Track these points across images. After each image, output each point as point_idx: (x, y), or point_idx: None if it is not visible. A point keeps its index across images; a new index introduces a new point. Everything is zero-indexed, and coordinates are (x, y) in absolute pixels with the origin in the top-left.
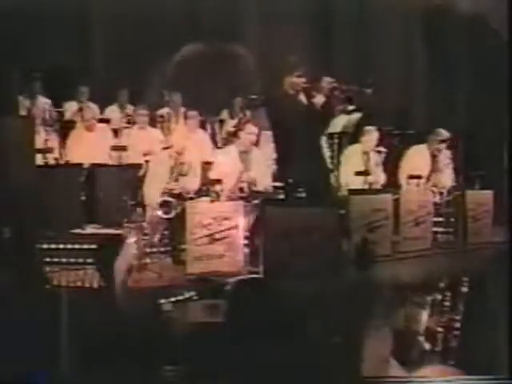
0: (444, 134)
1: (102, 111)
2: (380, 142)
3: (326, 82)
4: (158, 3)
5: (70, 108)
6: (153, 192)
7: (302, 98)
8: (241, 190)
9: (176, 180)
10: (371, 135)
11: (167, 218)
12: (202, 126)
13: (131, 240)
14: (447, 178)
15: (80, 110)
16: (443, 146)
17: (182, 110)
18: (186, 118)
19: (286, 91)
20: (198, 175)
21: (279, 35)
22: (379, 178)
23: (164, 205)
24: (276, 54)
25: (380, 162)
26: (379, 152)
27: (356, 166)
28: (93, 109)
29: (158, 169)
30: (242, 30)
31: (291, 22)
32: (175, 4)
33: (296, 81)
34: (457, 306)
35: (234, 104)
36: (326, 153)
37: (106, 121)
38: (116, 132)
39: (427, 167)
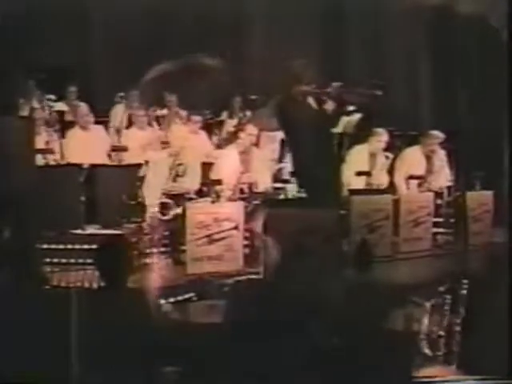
0: (438, 135)
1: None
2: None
3: (335, 87)
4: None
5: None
6: (152, 193)
7: (312, 102)
8: (241, 190)
9: (174, 181)
10: (380, 136)
11: (166, 220)
12: (203, 126)
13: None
14: (443, 179)
15: (74, 109)
16: (437, 147)
17: (184, 112)
18: (188, 120)
19: (295, 98)
20: (197, 176)
21: (286, 39)
22: (384, 180)
23: (162, 206)
24: (285, 59)
25: (386, 165)
26: (387, 157)
27: (361, 166)
28: (85, 107)
29: (157, 169)
30: (250, 35)
31: (297, 25)
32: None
33: (305, 88)
34: (457, 307)
35: (233, 104)
36: (328, 153)
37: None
38: (118, 132)
39: (422, 169)
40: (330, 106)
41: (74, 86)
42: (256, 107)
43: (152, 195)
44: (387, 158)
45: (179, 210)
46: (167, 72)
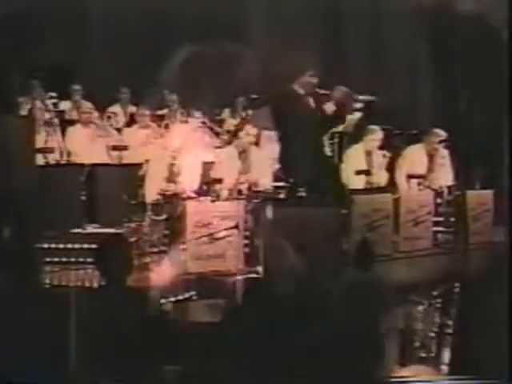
0: (440, 133)
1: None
2: (381, 142)
3: (340, 91)
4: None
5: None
6: (151, 192)
7: (311, 101)
8: (240, 189)
9: (169, 181)
10: (375, 135)
11: (164, 219)
12: (203, 125)
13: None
14: (445, 177)
15: (76, 107)
16: (440, 146)
17: (184, 110)
18: (189, 116)
19: (296, 90)
20: (195, 175)
21: (290, 35)
22: (382, 178)
23: (155, 206)
24: (290, 52)
25: (384, 163)
26: (384, 155)
27: (358, 165)
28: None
29: (155, 169)
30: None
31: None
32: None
33: (309, 80)
34: (456, 306)
35: (235, 103)
36: (327, 152)
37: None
38: (119, 131)
39: (424, 167)
40: (329, 107)
41: (78, 85)
42: (257, 106)
43: (151, 195)
44: (384, 156)
45: (175, 210)
46: None
